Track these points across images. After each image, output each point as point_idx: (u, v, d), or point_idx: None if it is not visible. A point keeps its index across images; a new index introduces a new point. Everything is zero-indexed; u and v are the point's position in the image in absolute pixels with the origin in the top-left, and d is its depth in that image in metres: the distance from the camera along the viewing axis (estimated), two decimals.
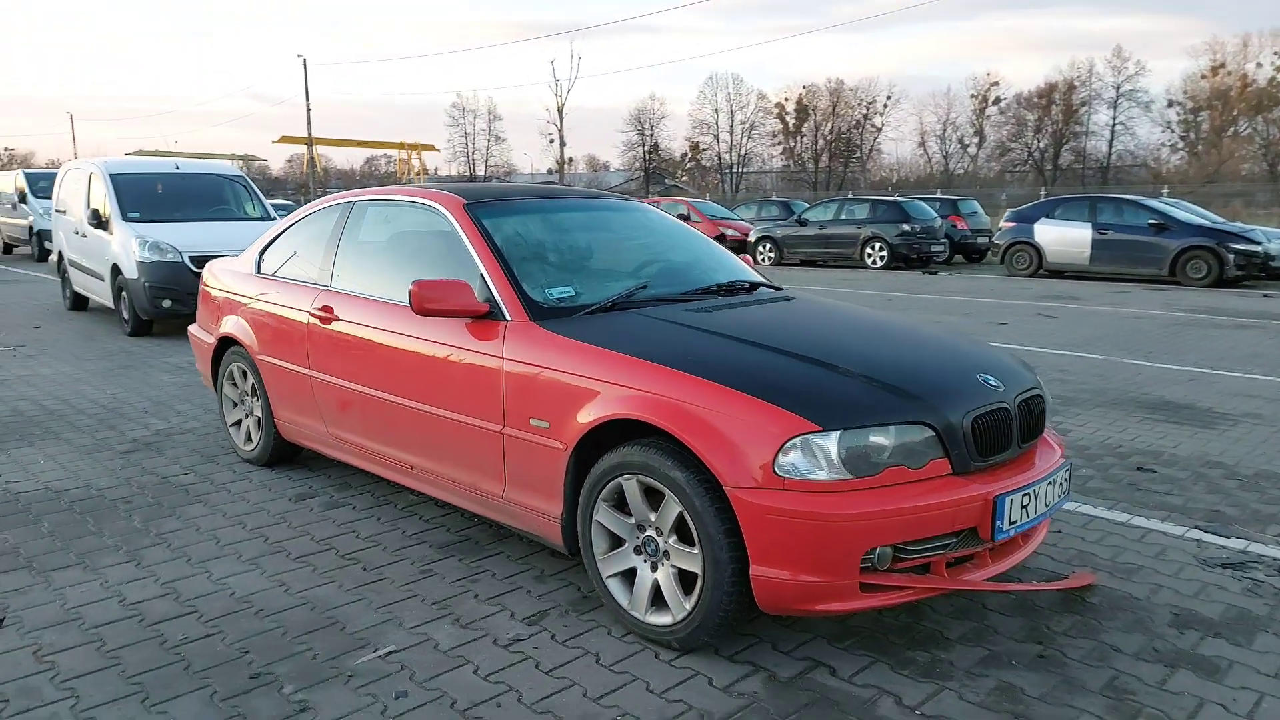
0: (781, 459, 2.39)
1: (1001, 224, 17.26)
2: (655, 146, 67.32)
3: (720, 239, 20.66)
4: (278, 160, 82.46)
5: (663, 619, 2.66)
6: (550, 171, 76.86)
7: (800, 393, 2.52)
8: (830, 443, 2.41)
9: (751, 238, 20.05)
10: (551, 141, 66.96)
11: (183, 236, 8.24)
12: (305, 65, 42.36)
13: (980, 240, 19.73)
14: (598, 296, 3.22)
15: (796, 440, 2.40)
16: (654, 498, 2.65)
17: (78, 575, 3.17)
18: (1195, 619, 2.89)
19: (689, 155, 68.57)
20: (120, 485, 4.15)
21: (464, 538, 3.54)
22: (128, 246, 8.08)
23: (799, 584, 2.40)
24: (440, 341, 3.23)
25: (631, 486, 2.67)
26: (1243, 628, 2.83)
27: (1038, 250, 15.99)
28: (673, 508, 2.58)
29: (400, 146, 68.86)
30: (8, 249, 20.13)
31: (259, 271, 4.37)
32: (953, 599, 3.00)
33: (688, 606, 2.58)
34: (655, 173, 66.56)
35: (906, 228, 17.70)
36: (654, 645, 2.69)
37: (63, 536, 3.52)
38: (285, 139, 59.20)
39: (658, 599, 2.69)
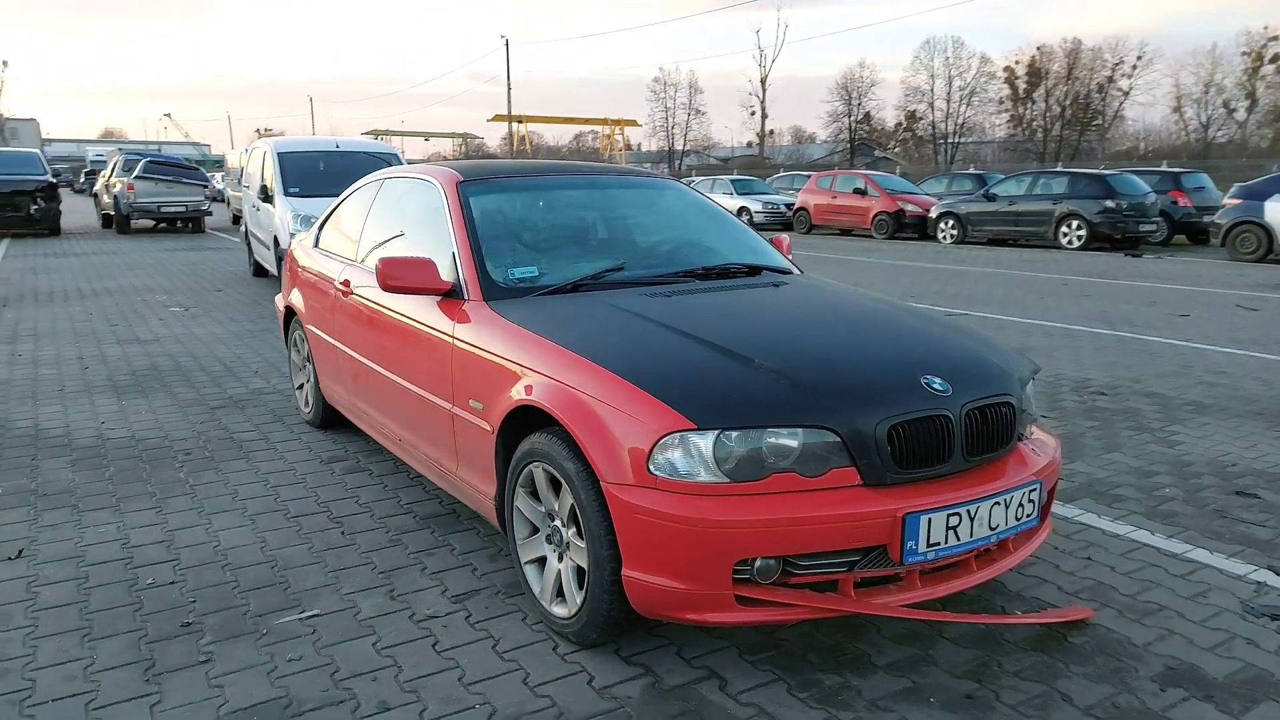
0: (657, 456, 2.26)
1: (1225, 200, 15.27)
2: (866, 116, 64.74)
3: (898, 215, 19.69)
4: (494, 137, 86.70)
5: (562, 611, 2.60)
6: (750, 145, 76.08)
7: (690, 387, 2.36)
8: (706, 442, 2.24)
9: (933, 214, 18.95)
10: (752, 114, 66.25)
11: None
12: (508, 45, 44.10)
13: (1205, 219, 17.56)
14: (563, 278, 3.16)
15: (672, 438, 2.25)
16: (559, 487, 2.59)
17: (106, 518, 3.52)
18: (1191, 676, 2.47)
19: (903, 125, 65.35)
20: (190, 438, 4.56)
21: (450, 511, 3.62)
22: (284, 219, 8.82)
23: (668, 590, 2.26)
24: (414, 318, 3.30)
25: (540, 474, 2.62)
26: (1245, 693, 2.39)
27: (1267, 232, 14.06)
28: (567, 499, 2.51)
29: (603, 122, 70.65)
30: (236, 220, 22.52)
31: (316, 245, 4.63)
32: (908, 621, 2.72)
33: (579, 602, 2.51)
34: (862, 144, 64.08)
35: (1110, 204, 16.06)
36: (557, 636, 2.64)
37: (117, 481, 3.93)
38: (498, 117, 62.04)
39: (561, 590, 2.63)
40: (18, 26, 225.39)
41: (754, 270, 3.53)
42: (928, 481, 2.38)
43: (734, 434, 2.25)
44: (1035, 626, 2.71)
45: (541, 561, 2.73)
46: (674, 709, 2.31)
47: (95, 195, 23.43)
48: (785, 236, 4.14)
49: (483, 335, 2.89)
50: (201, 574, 3.05)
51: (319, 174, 9.71)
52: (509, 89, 44.92)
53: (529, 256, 3.31)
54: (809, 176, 23.58)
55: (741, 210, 23.35)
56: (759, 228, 23.03)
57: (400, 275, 3.11)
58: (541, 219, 3.59)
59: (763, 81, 62.62)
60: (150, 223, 19.84)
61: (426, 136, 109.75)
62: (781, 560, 2.28)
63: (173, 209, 18.39)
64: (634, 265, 3.36)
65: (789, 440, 2.28)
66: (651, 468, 2.26)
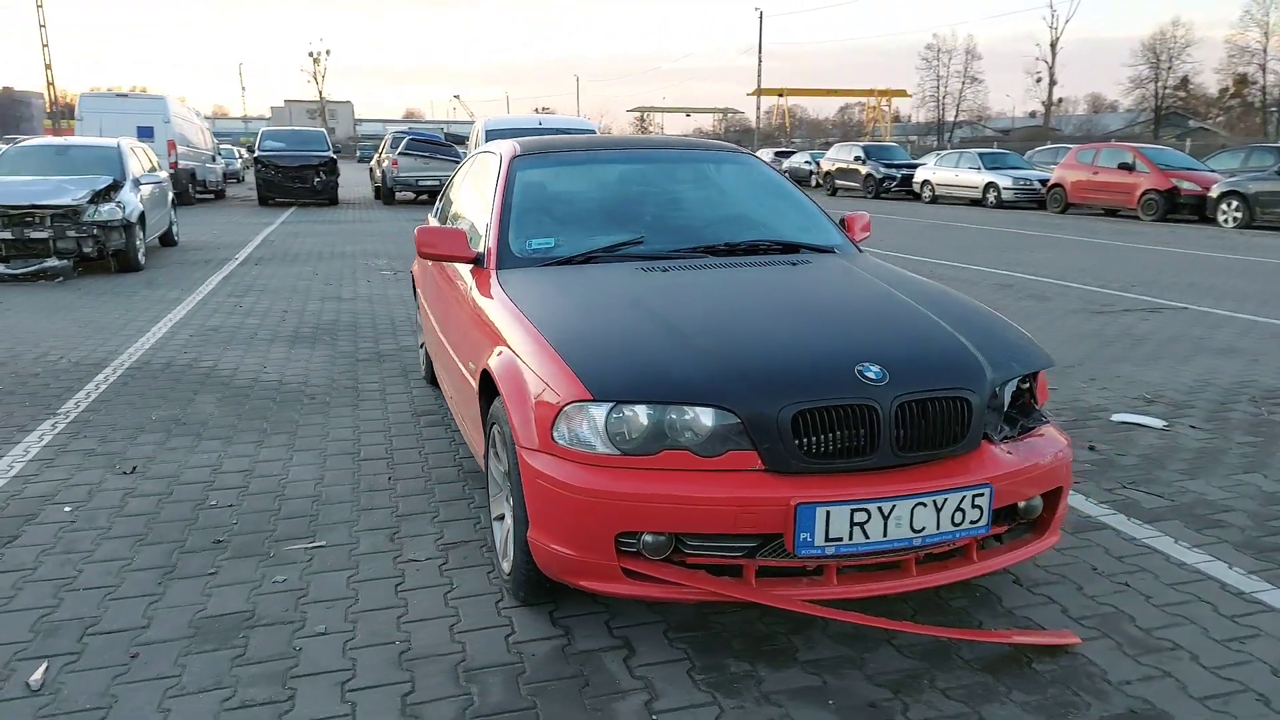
0: (560, 425, 2.31)
1: None
2: (1183, 81, 57.45)
3: (1171, 194, 17.51)
4: (756, 112, 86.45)
5: (506, 566, 2.72)
6: (1033, 114, 70.24)
7: (605, 361, 2.38)
8: (601, 414, 2.26)
9: (1214, 193, 16.64)
10: (1038, 80, 60.98)
11: None
12: (761, 18, 43.71)
13: None
14: (576, 250, 3.25)
15: (573, 407, 2.29)
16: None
17: (215, 447, 4.09)
18: None
19: (1229, 91, 57.22)
20: (323, 385, 5.13)
21: None
22: None
23: (561, 556, 2.32)
24: (455, 284, 3.53)
25: (497, 436, 2.74)
26: None
27: None
28: (508, 460, 2.62)
29: (869, 94, 68.17)
30: None
31: (434, 214, 5.01)
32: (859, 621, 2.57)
33: (512, 560, 2.62)
34: (1174, 113, 57.02)
35: None
36: (506, 591, 2.76)
37: (244, 417, 4.53)
38: (759, 91, 61.75)
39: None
40: (333, 13, 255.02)
41: (790, 248, 3.41)
42: (843, 474, 2.24)
43: (628, 408, 2.25)
44: (1002, 646, 2.46)
45: (502, 518, 2.86)
46: (567, 671, 2.36)
47: (370, 170, 26.21)
48: (863, 215, 3.92)
49: (485, 302, 3.05)
50: (256, 501, 3.48)
51: None
52: (759, 62, 44.69)
53: (555, 229, 3.41)
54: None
55: (988, 187, 21.78)
56: (1008, 206, 21.37)
57: (434, 244, 3.34)
58: (582, 193, 3.68)
59: (1053, 45, 57.32)
60: (411, 195, 21.93)
61: (688, 112, 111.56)
62: (673, 538, 2.25)
63: (429, 182, 20.19)
64: (658, 239, 3.36)
65: (685, 418, 2.24)
66: (555, 435, 2.32)
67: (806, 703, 2.23)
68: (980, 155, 23.27)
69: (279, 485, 3.63)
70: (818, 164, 29.55)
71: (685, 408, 2.25)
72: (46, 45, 37.56)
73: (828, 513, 2.17)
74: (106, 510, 3.38)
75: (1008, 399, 2.50)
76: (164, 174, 12.08)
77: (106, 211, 9.16)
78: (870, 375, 2.30)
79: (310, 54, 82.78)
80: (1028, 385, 2.69)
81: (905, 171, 25.26)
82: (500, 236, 3.31)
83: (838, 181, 27.42)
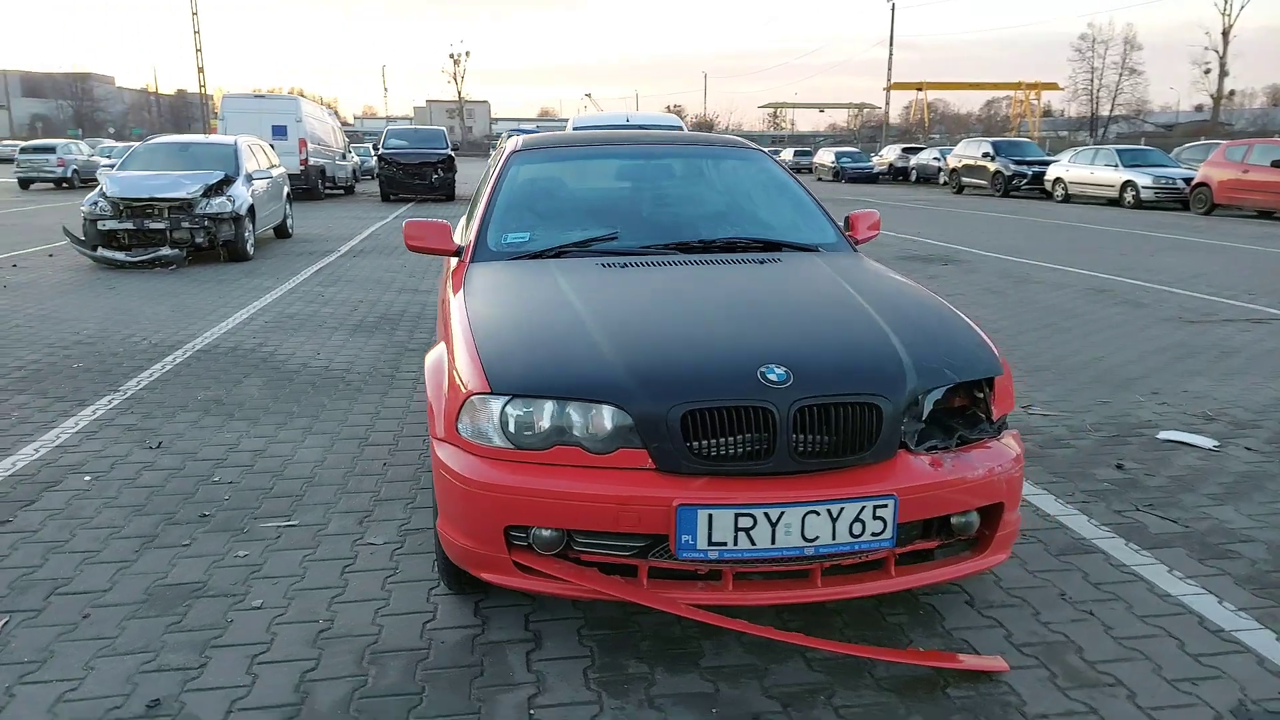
0: (464, 417, 2.34)
1: None
2: None
3: None
4: (894, 106, 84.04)
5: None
6: (1199, 108, 65.49)
7: (512, 355, 2.38)
8: (497, 407, 2.27)
9: None
10: (1207, 71, 56.81)
11: None
12: (893, 8, 42.42)
13: None
14: (547, 244, 3.27)
15: (474, 400, 2.31)
16: None
17: (241, 428, 4.33)
18: None
19: None
20: (363, 373, 5.34)
21: None
22: None
23: (460, 546, 2.35)
24: (442, 276, 3.61)
25: None
26: None
27: None
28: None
29: (1017, 87, 64.97)
30: None
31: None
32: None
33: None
34: None
35: None
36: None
37: (279, 400, 4.77)
38: (896, 85, 59.93)
39: None
40: (471, 18, 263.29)
41: (770, 245, 3.32)
42: (734, 477, 2.17)
43: (521, 402, 2.26)
44: (920, 668, 2.33)
45: None
46: (467, 660, 2.39)
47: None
48: (872, 214, 3.77)
49: (450, 294, 3.11)
50: (254, 480, 3.66)
51: None
52: (890, 54, 43.36)
53: (535, 223, 3.44)
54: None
55: (1125, 185, 20.43)
56: (1147, 207, 19.97)
57: (420, 236, 3.43)
58: (572, 189, 3.70)
59: (1225, 33, 53.21)
60: None
61: (821, 108, 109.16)
62: (565, 534, 2.25)
63: None
64: (635, 235, 3.33)
65: (577, 414, 2.23)
66: (459, 427, 2.35)
67: (690, 709, 2.18)
68: (1118, 152, 21.85)
69: (281, 466, 3.81)
70: (946, 160, 28.51)
71: (579, 404, 2.23)
72: (200, 50, 40.85)
73: (710, 516, 2.11)
74: (120, 481, 3.63)
75: (928, 408, 2.36)
76: (279, 170, 12.80)
77: (217, 204, 9.81)
78: (772, 377, 2.22)
79: (451, 56, 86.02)
80: (983, 395, 2.53)
81: (1036, 169, 24.03)
82: (480, 230, 3.37)
83: (964, 179, 26.38)
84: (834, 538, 2.16)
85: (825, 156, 37.87)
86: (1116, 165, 21.05)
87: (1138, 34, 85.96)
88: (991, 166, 25.13)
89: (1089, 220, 16.89)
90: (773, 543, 2.14)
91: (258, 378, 5.22)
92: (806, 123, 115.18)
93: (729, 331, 2.44)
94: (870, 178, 34.68)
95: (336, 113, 26.47)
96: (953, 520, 2.38)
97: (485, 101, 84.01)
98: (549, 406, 2.24)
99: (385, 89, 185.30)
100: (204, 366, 5.48)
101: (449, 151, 20.84)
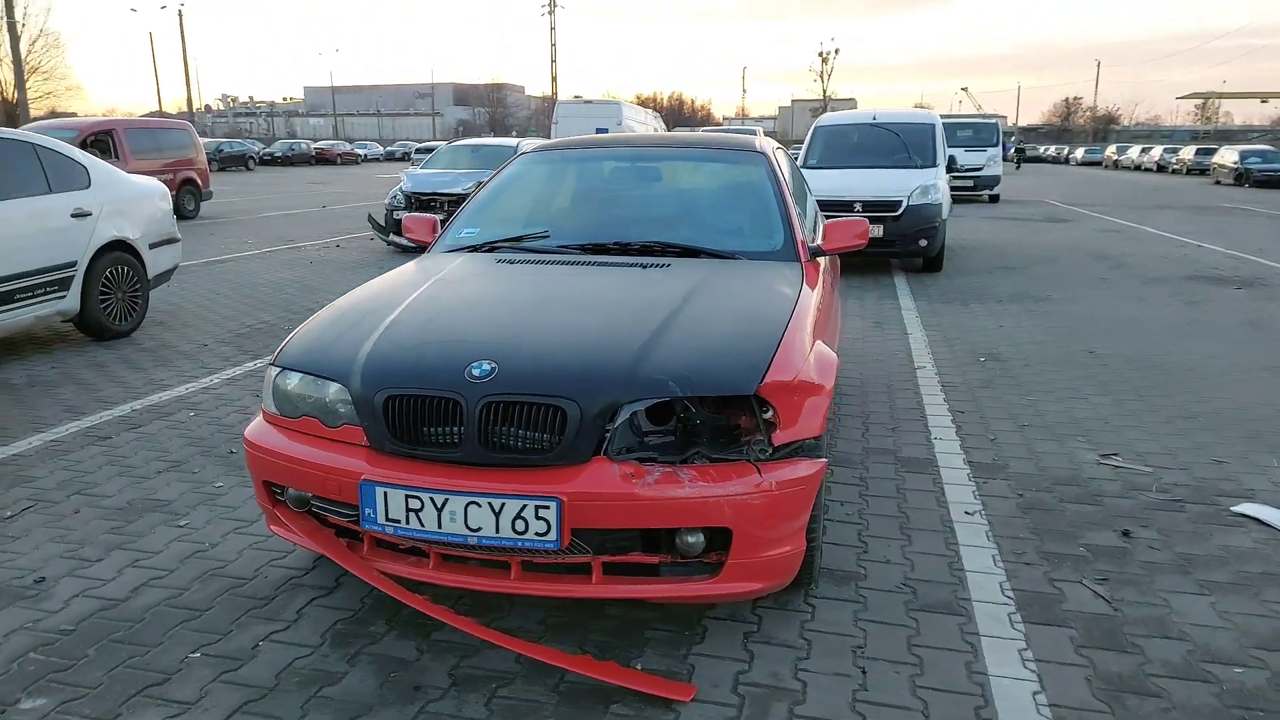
0: (266, 385, 2.70)
1: None
2: None
3: None
4: None
5: None
6: None
7: (310, 331, 2.70)
8: (270, 376, 2.63)
9: None
10: None
11: (828, 183, 9.27)
12: None
13: None
14: (485, 239, 3.52)
15: (269, 369, 2.67)
16: None
17: None
18: None
19: None
20: None
21: None
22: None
23: (258, 500, 2.71)
24: None
25: None
26: None
27: None
28: None
29: None
30: None
31: None
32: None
33: None
34: None
35: None
36: None
37: None
38: None
39: None
40: (848, 14, 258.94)
41: (688, 251, 3.29)
42: (422, 461, 2.31)
43: (277, 372, 2.59)
44: (592, 680, 2.28)
45: None
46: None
47: None
48: (858, 223, 3.52)
49: None
50: None
51: (849, 146, 10.13)
52: None
53: (493, 221, 3.69)
54: None
55: None
56: None
57: (411, 229, 3.85)
58: (549, 190, 3.88)
59: None
60: None
61: (1264, 98, 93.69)
62: (309, 496, 2.53)
63: None
64: (567, 235, 3.47)
65: (312, 390, 2.50)
66: (264, 396, 2.72)
67: (372, 672, 2.35)
68: None
69: None
70: None
71: (317, 380, 2.50)
72: (555, 60, 45.68)
73: (385, 493, 2.27)
74: (202, 420, 4.48)
75: (623, 416, 2.27)
76: None
77: None
78: (476, 373, 2.31)
79: (820, 54, 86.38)
80: (769, 413, 2.36)
81: None
82: (450, 224, 3.70)
83: None
84: (497, 531, 2.21)
85: (1227, 156, 32.61)
86: None
87: None
88: None
89: None
90: (439, 526, 2.24)
91: None
92: (1243, 114, 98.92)
93: (514, 328, 2.53)
94: None
95: (658, 114, 28.03)
96: (677, 539, 2.29)
97: (851, 99, 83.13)
98: (296, 379, 2.54)
99: (744, 90, 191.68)
100: None
101: None
